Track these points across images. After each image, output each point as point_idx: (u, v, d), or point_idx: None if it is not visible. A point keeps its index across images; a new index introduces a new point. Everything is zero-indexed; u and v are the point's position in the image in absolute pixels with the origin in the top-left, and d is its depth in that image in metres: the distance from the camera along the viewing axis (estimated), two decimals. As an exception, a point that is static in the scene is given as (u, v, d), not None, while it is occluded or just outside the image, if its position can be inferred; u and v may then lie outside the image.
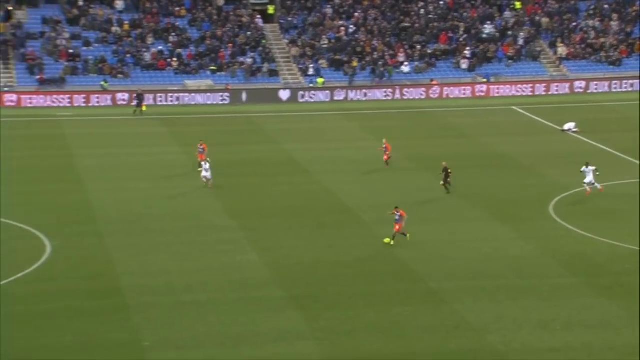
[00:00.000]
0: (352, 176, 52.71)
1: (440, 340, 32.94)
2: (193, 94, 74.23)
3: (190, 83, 75.76)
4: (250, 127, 67.01)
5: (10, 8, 77.76)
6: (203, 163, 50.23)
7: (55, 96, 71.24)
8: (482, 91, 78.81)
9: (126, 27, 79.53)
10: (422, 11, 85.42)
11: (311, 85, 77.63)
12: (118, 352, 31.90)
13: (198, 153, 53.14)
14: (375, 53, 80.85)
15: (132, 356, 31.65)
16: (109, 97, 72.36)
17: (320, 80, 77.87)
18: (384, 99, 76.68)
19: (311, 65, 79.21)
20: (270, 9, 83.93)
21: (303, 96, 76.02)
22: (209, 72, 77.27)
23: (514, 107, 74.52)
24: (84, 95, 71.96)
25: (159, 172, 53.38)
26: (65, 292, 36.53)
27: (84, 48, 76.99)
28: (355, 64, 79.35)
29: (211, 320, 34.34)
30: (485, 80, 79.89)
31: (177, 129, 65.91)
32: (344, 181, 52.41)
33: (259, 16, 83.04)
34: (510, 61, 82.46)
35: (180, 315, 34.73)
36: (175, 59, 77.41)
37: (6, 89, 71.45)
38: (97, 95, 72.01)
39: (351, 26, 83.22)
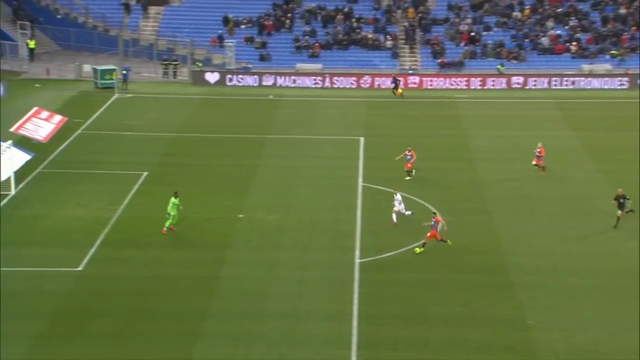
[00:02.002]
0: None
1: None
2: (589, 78, 72.72)
3: (588, 67, 74.32)
4: (649, 113, 64.59)
5: None
6: (396, 195, 42.65)
7: (453, 79, 72.95)
8: None
9: (527, 11, 79.67)
10: None
11: None
12: (502, 327, 32.57)
13: (406, 160, 48.82)
14: None
15: (516, 333, 32.15)
16: (504, 80, 72.98)
17: None
18: None
19: None
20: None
21: None
22: (607, 57, 75.22)
23: None
24: (480, 78, 73.15)
25: (548, 154, 53.03)
26: (454, 265, 37.87)
27: (484, 32, 78.31)
28: None
29: (598, 306, 34.06)
30: None
31: (571, 112, 64.78)
32: None
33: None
34: None
35: (565, 298, 34.73)
36: (574, 43, 76.27)
37: (411, 71, 74.73)
38: (492, 79, 72.87)
39: None
